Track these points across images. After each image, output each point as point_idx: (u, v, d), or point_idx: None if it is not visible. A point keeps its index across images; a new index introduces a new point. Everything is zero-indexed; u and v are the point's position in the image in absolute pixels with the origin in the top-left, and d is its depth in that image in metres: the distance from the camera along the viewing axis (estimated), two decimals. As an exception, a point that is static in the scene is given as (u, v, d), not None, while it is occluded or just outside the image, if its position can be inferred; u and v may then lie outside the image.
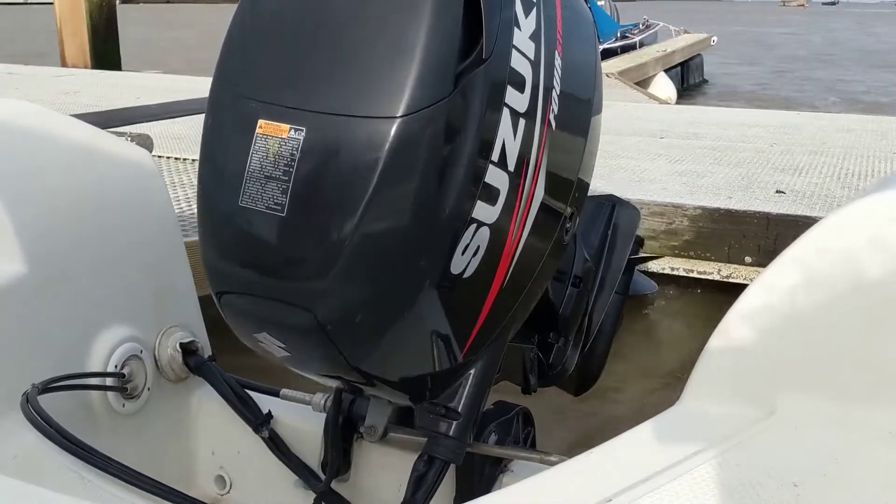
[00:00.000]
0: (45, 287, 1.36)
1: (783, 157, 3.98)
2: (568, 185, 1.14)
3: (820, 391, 0.90)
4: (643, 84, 9.15)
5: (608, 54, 10.76)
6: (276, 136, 0.96)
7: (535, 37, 1.02)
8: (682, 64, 11.61)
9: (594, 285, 1.38)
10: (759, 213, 3.01)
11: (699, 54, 12.65)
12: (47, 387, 1.24)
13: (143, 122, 4.75)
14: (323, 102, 0.95)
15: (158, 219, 1.60)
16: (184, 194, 3.19)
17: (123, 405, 1.46)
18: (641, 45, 11.50)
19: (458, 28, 0.93)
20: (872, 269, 0.88)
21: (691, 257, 3.05)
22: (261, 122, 0.97)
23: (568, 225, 1.16)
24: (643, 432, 0.92)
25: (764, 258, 2.97)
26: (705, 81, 13.09)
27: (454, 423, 1.16)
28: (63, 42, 8.87)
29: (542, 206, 1.08)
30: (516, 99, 1.00)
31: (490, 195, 1.00)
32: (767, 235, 2.97)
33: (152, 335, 1.53)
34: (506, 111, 0.99)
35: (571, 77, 1.09)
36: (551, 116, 1.05)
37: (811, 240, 0.95)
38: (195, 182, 3.42)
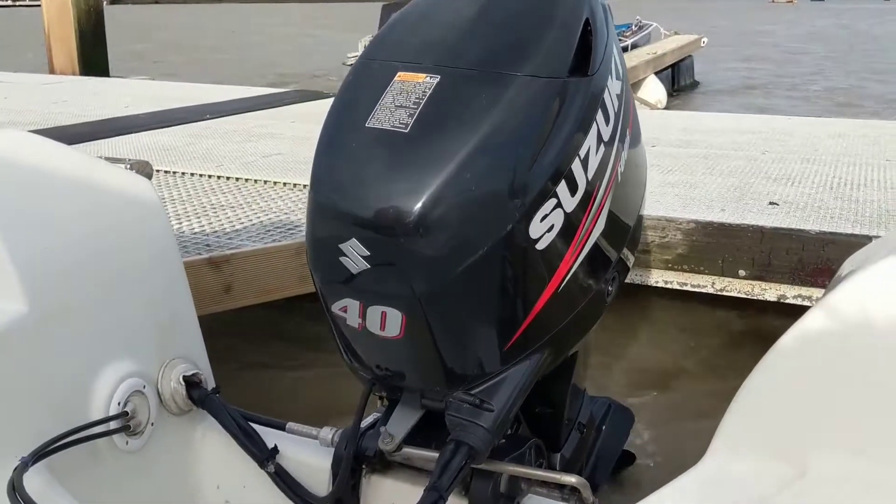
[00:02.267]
0: (45, 325, 1.35)
1: (775, 166, 3.99)
2: (621, 234, 1.26)
3: (852, 451, 0.89)
4: (634, 87, 9.16)
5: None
6: (412, 81, 1.13)
7: (619, 98, 1.21)
8: (672, 66, 11.62)
9: (587, 459, 1.54)
10: (752, 226, 3.02)
11: (690, 55, 12.67)
12: (43, 452, 1.22)
13: (131, 132, 4.72)
14: (456, 60, 1.14)
15: (160, 249, 1.59)
16: (174, 210, 3.18)
17: (127, 443, 1.45)
18: (634, 46, 11.51)
19: (576, 35, 1.15)
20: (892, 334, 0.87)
21: (685, 271, 3.06)
22: (399, 73, 1.15)
23: (611, 287, 1.26)
24: (675, 493, 0.91)
25: (758, 272, 2.98)
26: (696, 83, 13.11)
27: (486, 413, 1.17)
28: (51, 48, 8.81)
29: (600, 238, 1.19)
30: (602, 125, 1.16)
31: (572, 184, 1.12)
32: (761, 249, 2.98)
33: (155, 369, 1.53)
34: (594, 128, 1.15)
35: (633, 160, 1.27)
36: (620, 165, 1.21)
37: (843, 293, 0.95)
38: (186, 196, 3.43)
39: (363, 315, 1.15)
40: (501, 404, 1.18)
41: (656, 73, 10.30)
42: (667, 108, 9.86)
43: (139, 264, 1.54)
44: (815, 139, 4.67)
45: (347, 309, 1.16)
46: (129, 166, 1.70)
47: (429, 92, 1.12)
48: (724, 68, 14.58)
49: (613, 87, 1.19)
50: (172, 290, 1.60)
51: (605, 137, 1.16)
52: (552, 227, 1.11)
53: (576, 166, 1.12)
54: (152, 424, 1.50)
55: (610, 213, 1.20)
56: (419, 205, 1.07)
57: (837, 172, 3.86)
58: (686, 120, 5.66)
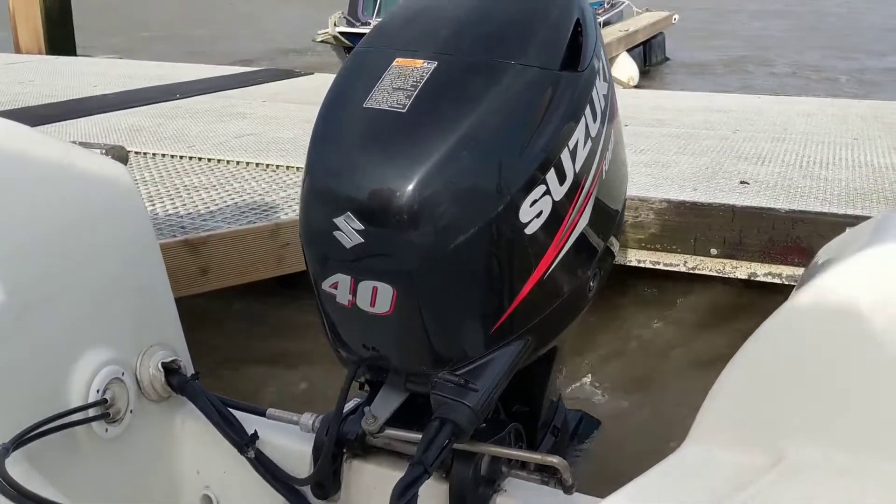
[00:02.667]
0: (22, 314, 1.34)
1: (746, 145, 4.04)
2: (605, 228, 1.30)
3: (828, 439, 0.90)
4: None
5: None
6: (409, 66, 1.16)
7: (606, 98, 1.25)
8: (644, 43, 11.65)
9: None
10: (723, 205, 3.06)
11: (661, 32, 12.70)
12: (23, 439, 1.21)
13: (100, 112, 4.65)
14: (454, 49, 1.19)
15: (136, 235, 1.58)
16: (146, 192, 3.15)
17: (106, 430, 1.44)
18: (606, 24, 11.51)
19: (568, 32, 1.20)
20: (881, 315, 0.89)
21: (657, 250, 3.10)
22: (397, 59, 1.18)
23: (593, 283, 1.30)
24: (653, 480, 0.92)
25: (729, 250, 3.03)
26: (667, 59, 13.16)
27: (471, 393, 1.18)
28: (16, 28, 8.61)
29: (585, 229, 1.23)
30: (590, 120, 1.20)
31: (561, 173, 1.16)
32: (732, 228, 3.02)
33: (133, 355, 1.52)
34: (583, 122, 1.19)
35: (617, 159, 1.30)
36: (605, 162, 1.25)
37: (820, 283, 0.96)
38: (159, 178, 3.39)
39: (354, 291, 1.16)
40: (486, 386, 1.20)
41: (628, 51, 10.33)
42: (638, 85, 9.90)
43: (116, 251, 1.52)
44: (785, 118, 4.73)
45: (338, 285, 1.17)
46: (104, 151, 1.68)
47: (426, 76, 1.15)
48: (695, 45, 14.64)
49: (601, 87, 1.24)
50: (150, 277, 1.59)
51: (593, 133, 1.21)
52: (541, 213, 1.15)
53: (565, 156, 1.16)
54: (131, 412, 1.49)
55: (594, 206, 1.24)
56: (415, 180, 1.09)
57: (807, 151, 3.92)
58: (658, 99, 5.69)
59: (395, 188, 1.10)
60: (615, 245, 1.37)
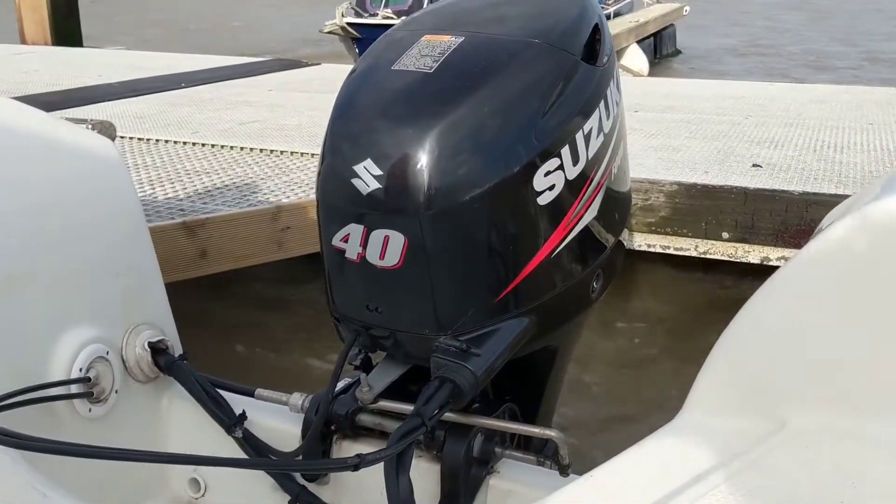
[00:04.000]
0: (5, 289, 1.29)
1: (758, 130, 3.96)
2: (609, 227, 1.33)
3: (830, 404, 0.86)
4: (616, 55, 9.11)
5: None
6: (437, 40, 1.23)
7: (618, 106, 1.32)
8: (654, 34, 11.54)
9: None
10: (735, 187, 2.98)
11: (672, 24, 12.58)
12: (1, 405, 1.17)
13: (104, 101, 4.62)
14: (481, 27, 1.27)
15: (123, 211, 1.53)
16: (146, 176, 3.11)
17: (90, 410, 1.40)
18: (616, 15, 11.41)
19: (589, 30, 1.27)
20: (884, 277, 0.83)
21: (668, 234, 3.02)
22: (426, 36, 1.25)
23: (596, 284, 1.33)
24: (651, 448, 0.87)
25: (741, 234, 2.95)
26: (678, 52, 13.04)
27: (473, 358, 1.18)
28: (22, 18, 8.60)
29: (592, 222, 1.27)
30: (604, 117, 1.25)
31: (575, 154, 1.21)
32: (745, 210, 2.94)
33: (119, 335, 1.47)
34: (597, 114, 1.24)
35: (621, 175, 1.36)
36: (614, 166, 1.30)
37: (819, 246, 0.91)
38: (160, 163, 3.35)
39: (365, 243, 1.17)
40: (488, 354, 1.19)
41: (638, 42, 10.23)
42: (649, 76, 9.80)
43: (102, 227, 1.48)
44: (798, 104, 4.64)
45: (349, 237, 1.18)
46: (91, 126, 1.64)
47: (454, 46, 1.22)
48: (707, 37, 14.51)
49: (613, 93, 1.31)
50: (138, 255, 1.54)
51: (605, 129, 1.26)
52: (553, 186, 1.19)
53: (579, 138, 1.21)
54: (117, 392, 1.44)
55: (601, 205, 1.28)
56: (438, 128, 1.14)
57: (820, 136, 3.83)
58: (669, 86, 5.61)
59: (417, 135, 1.14)
60: (617, 261, 1.40)
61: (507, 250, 1.20)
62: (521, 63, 1.21)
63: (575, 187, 1.22)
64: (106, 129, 1.60)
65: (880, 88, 5.53)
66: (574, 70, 1.23)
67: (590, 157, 1.23)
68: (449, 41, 1.23)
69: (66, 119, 1.60)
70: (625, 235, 1.42)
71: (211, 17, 20.19)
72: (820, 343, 0.88)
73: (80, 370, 1.38)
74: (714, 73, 10.64)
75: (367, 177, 1.15)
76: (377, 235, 1.16)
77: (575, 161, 1.21)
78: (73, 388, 1.36)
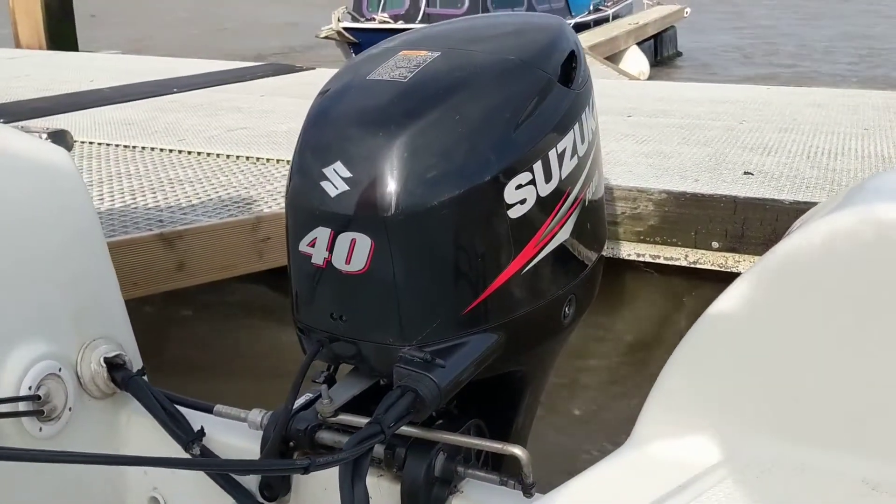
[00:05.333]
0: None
1: (752, 136, 3.91)
2: (583, 251, 1.33)
3: (784, 433, 0.80)
4: (615, 58, 9.03)
5: (580, 28, 10.58)
6: (414, 55, 1.25)
7: (593, 134, 1.33)
8: (655, 36, 11.48)
9: None
10: (725, 196, 2.94)
11: (672, 26, 12.52)
12: None
13: (93, 107, 4.59)
14: (457, 45, 1.30)
15: (78, 222, 1.49)
16: (128, 186, 3.06)
17: (40, 429, 1.35)
18: (615, 17, 11.35)
19: (564, 55, 1.29)
20: (844, 293, 0.78)
21: (657, 243, 2.98)
22: (403, 51, 1.26)
23: (568, 309, 1.31)
24: (599, 476, 0.82)
25: (731, 243, 2.90)
26: (679, 54, 12.97)
27: (437, 369, 1.15)
28: (16, 23, 8.57)
29: (564, 243, 1.26)
30: (578, 139, 1.26)
31: (548, 171, 1.21)
32: (735, 220, 2.89)
33: (73, 350, 1.43)
34: (572, 135, 1.25)
35: (594, 209, 1.36)
36: (588, 192, 1.30)
37: (775, 257, 0.85)
38: (143, 171, 3.31)
39: (331, 247, 1.16)
40: (453, 367, 1.17)
41: (638, 44, 10.18)
42: (649, 79, 9.74)
43: (55, 240, 1.43)
44: (794, 108, 4.59)
45: (316, 242, 1.18)
46: (45, 136, 1.59)
47: (429, 60, 1.24)
48: (708, 39, 14.46)
49: (589, 119, 1.32)
50: (93, 266, 1.49)
51: (580, 153, 1.27)
52: (525, 201, 1.18)
53: (552, 156, 1.21)
54: (70, 409, 1.40)
55: (574, 228, 1.28)
56: (409, 132, 1.15)
57: (815, 142, 3.78)
58: (664, 90, 5.56)
59: (388, 139, 1.15)
60: (591, 290, 1.39)
61: (476, 261, 1.19)
62: (495, 76, 1.22)
63: (547, 205, 1.22)
64: (61, 139, 1.55)
65: (878, 92, 5.48)
66: (548, 88, 1.24)
67: (563, 177, 1.23)
68: (425, 55, 1.24)
69: (21, 128, 1.55)
70: (599, 269, 1.40)
71: (243, 15, 20.21)
72: (776, 365, 0.83)
73: (30, 388, 1.33)
74: (715, 76, 10.58)
75: (337, 179, 1.15)
76: (344, 239, 1.16)
77: (548, 178, 1.21)
78: (22, 406, 1.32)
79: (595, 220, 1.35)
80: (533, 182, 1.19)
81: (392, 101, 1.19)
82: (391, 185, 1.14)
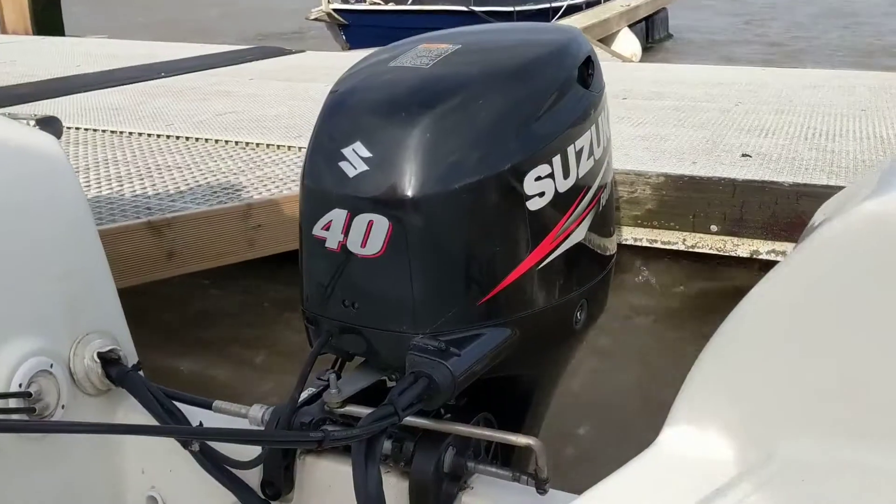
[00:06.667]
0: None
1: (749, 117, 3.87)
2: (596, 257, 1.33)
3: (826, 429, 0.76)
4: (607, 40, 8.97)
5: (572, 10, 10.52)
6: (435, 47, 1.26)
7: (608, 142, 1.34)
8: (646, 18, 11.42)
9: None
10: (724, 179, 2.90)
11: (664, 8, 12.44)
12: None
13: (79, 92, 4.50)
14: (479, 39, 1.36)
15: (69, 212, 1.44)
16: (115, 172, 3.00)
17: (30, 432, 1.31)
18: (607, -1, 11.27)
19: (581, 59, 1.30)
20: (885, 285, 0.74)
21: (654, 227, 2.94)
22: (423, 44, 1.28)
23: (580, 314, 1.30)
24: (628, 479, 0.78)
25: (730, 227, 2.87)
26: (670, 36, 12.91)
27: (452, 357, 1.14)
28: (2, 8, 8.42)
29: (579, 244, 1.26)
30: (594, 141, 1.27)
31: (566, 166, 1.21)
32: (734, 203, 2.86)
33: (66, 345, 1.38)
34: (589, 135, 1.26)
35: (607, 214, 1.37)
36: (602, 197, 1.31)
37: (812, 246, 0.81)
38: (130, 157, 3.25)
39: (347, 229, 1.15)
40: (468, 356, 1.15)
41: (630, 27, 10.12)
42: (640, 62, 9.68)
43: (45, 231, 1.39)
44: (790, 90, 4.55)
45: (331, 224, 1.16)
46: (34, 123, 1.54)
47: (451, 51, 1.25)
48: (699, 21, 14.40)
49: (604, 126, 1.33)
50: (85, 258, 1.45)
51: (596, 156, 1.28)
52: (543, 193, 1.19)
53: (571, 152, 1.22)
54: (63, 407, 1.36)
55: (588, 231, 1.28)
56: (432, 114, 1.15)
57: (812, 123, 3.75)
58: (658, 72, 5.51)
59: (411, 120, 1.14)
60: (602, 298, 1.39)
61: (494, 251, 1.18)
62: (518, 68, 1.23)
63: (565, 202, 1.22)
64: (50, 125, 1.50)
65: (872, 73, 5.45)
66: (568, 85, 1.26)
67: (580, 176, 1.24)
68: (446, 47, 1.26)
69: (9, 114, 1.50)
70: (609, 278, 1.41)
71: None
72: (818, 360, 0.79)
73: (20, 385, 1.29)
74: (707, 58, 10.53)
75: (356, 159, 1.14)
76: (360, 221, 1.14)
77: (566, 174, 1.22)
78: (13, 404, 1.28)
79: (606, 228, 1.36)
80: (552, 176, 1.20)
81: (415, 84, 1.20)
82: (412, 167, 1.13)
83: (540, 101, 1.22)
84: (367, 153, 1.14)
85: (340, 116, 1.21)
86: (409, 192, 1.13)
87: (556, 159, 1.21)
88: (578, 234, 1.26)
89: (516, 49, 1.30)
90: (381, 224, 1.13)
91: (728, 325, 0.84)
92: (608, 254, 1.39)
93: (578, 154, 1.24)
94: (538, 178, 1.19)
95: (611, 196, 1.38)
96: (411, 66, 1.23)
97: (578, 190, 1.25)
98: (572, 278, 1.28)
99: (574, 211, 1.25)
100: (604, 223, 1.34)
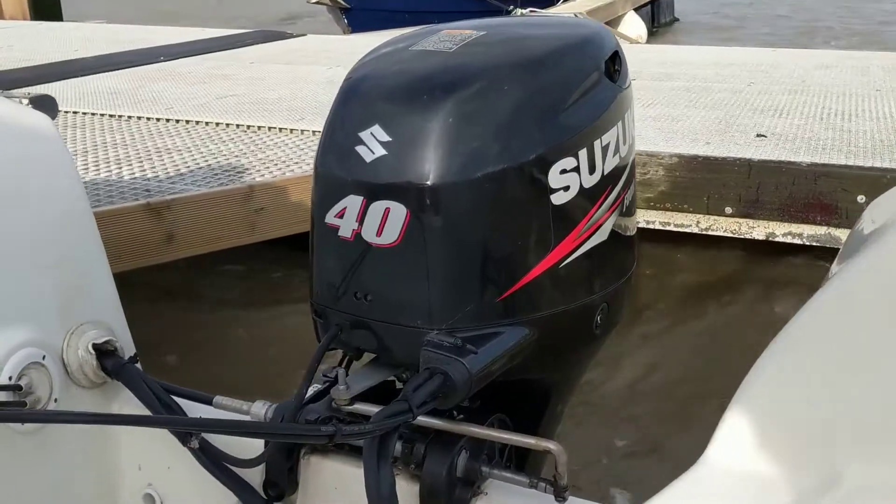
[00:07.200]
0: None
1: (762, 98, 3.79)
2: (617, 261, 1.28)
3: (894, 454, 0.68)
4: (612, 24, 8.85)
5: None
6: (458, 33, 1.20)
7: (633, 141, 1.28)
8: (651, 2, 11.27)
9: None
10: (739, 159, 2.83)
11: (670, -9, 12.29)
12: None
13: (78, 76, 4.42)
14: (501, 26, 1.29)
15: (63, 196, 1.37)
16: (114, 155, 2.93)
17: (22, 423, 1.24)
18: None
19: (608, 53, 1.24)
20: None
21: (668, 209, 2.87)
22: (445, 31, 1.22)
23: (600, 318, 1.24)
24: (676, 501, 0.70)
25: (745, 208, 2.80)
26: (676, 20, 12.76)
27: (469, 354, 1.08)
28: (-1, -8, 8.35)
29: (601, 245, 1.20)
30: (621, 137, 1.22)
31: (592, 162, 1.16)
32: (749, 184, 2.78)
33: (58, 336, 1.31)
34: (616, 130, 1.21)
35: (631, 213, 1.31)
36: (625, 198, 1.25)
37: (872, 255, 0.73)
38: (130, 140, 3.18)
39: (362, 217, 1.10)
40: (485, 354, 1.09)
41: (635, 10, 9.99)
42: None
43: (38, 215, 1.32)
44: (802, 70, 4.46)
45: (345, 212, 1.11)
46: (27, 102, 1.46)
47: (476, 35, 1.20)
48: (705, 5, 14.25)
49: (630, 125, 1.28)
50: (79, 244, 1.38)
51: (622, 153, 1.23)
52: (568, 188, 1.14)
53: (597, 147, 1.18)
54: (55, 401, 1.28)
55: (611, 232, 1.23)
56: (455, 95, 1.09)
57: (827, 103, 3.66)
58: (666, 53, 5.42)
59: (432, 103, 1.09)
60: (622, 304, 1.33)
61: (516, 244, 1.13)
62: (546, 54, 1.19)
63: (589, 198, 1.18)
64: (45, 105, 1.42)
65: (885, 53, 5.35)
66: (597, 78, 1.21)
67: (605, 173, 1.19)
68: (470, 33, 1.21)
69: (2, 93, 1.42)
70: (629, 286, 1.35)
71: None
72: (882, 375, 0.70)
73: (10, 378, 1.22)
74: (715, 43, 10.41)
75: (374, 143, 1.09)
76: (377, 208, 1.09)
77: (591, 169, 1.17)
78: (2, 397, 1.21)
79: (629, 231, 1.31)
80: (577, 170, 1.15)
81: (438, 67, 1.15)
82: (433, 152, 1.07)
83: (568, 90, 1.17)
84: (385, 137, 1.09)
85: (358, 99, 1.15)
86: (430, 179, 1.07)
87: (583, 153, 1.15)
88: (602, 234, 1.21)
89: (543, 38, 1.24)
90: (399, 212, 1.08)
91: (785, 336, 0.75)
92: (630, 258, 1.34)
93: (605, 149, 1.19)
94: (563, 171, 1.13)
95: (633, 199, 1.33)
96: (434, 49, 1.17)
97: (603, 187, 1.19)
98: (594, 280, 1.23)
99: (599, 208, 1.20)
100: (627, 226, 1.29)
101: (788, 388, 0.76)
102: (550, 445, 1.11)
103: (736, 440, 0.74)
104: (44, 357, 1.27)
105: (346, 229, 1.11)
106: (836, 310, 0.74)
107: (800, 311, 0.78)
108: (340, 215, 1.12)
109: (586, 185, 1.17)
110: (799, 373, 0.75)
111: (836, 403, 0.73)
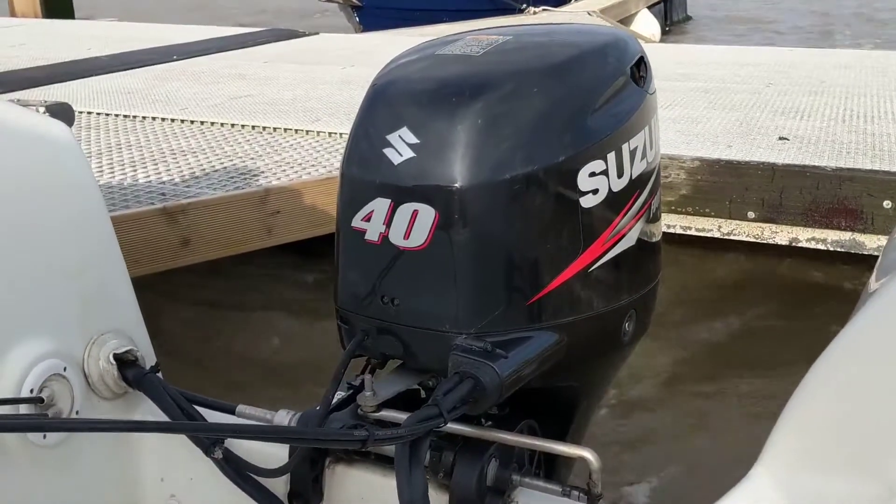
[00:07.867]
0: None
1: (782, 99, 3.74)
2: (644, 268, 1.26)
3: None
4: (626, 22, 8.80)
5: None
6: (484, 39, 1.21)
7: (658, 145, 1.27)
8: (664, 0, 11.21)
9: None
10: (762, 163, 2.78)
11: (682, -11, 12.22)
12: None
13: (90, 76, 4.41)
14: (526, 32, 1.28)
15: (81, 204, 1.34)
16: (129, 157, 2.91)
17: (44, 436, 1.22)
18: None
19: (634, 58, 1.23)
20: None
21: (689, 213, 2.84)
22: (470, 36, 1.22)
23: (628, 325, 1.22)
24: None
25: (768, 213, 2.76)
26: (689, 18, 12.69)
27: (499, 359, 1.06)
28: (11, -10, 8.35)
29: (629, 250, 1.19)
30: (648, 142, 1.21)
31: (621, 165, 1.15)
32: (772, 188, 2.74)
33: (79, 346, 1.29)
34: (643, 135, 1.20)
35: (657, 220, 1.30)
36: (652, 204, 1.24)
37: None
38: (144, 142, 3.15)
39: (390, 220, 1.09)
40: (516, 358, 1.08)
41: (648, 8, 9.93)
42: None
43: (56, 224, 1.29)
44: (821, 71, 4.41)
45: (372, 215, 1.11)
46: (44, 110, 1.43)
47: (502, 40, 1.20)
48: (718, 3, 14.17)
49: (656, 130, 1.27)
50: (99, 253, 1.35)
51: (649, 158, 1.22)
52: (597, 191, 1.14)
53: (625, 150, 1.17)
54: (77, 412, 1.26)
55: (638, 238, 1.22)
56: (484, 97, 1.09)
57: (848, 105, 3.62)
58: (682, 53, 5.37)
59: (461, 105, 1.09)
60: (650, 312, 1.32)
61: (545, 248, 1.12)
62: (574, 57, 1.19)
63: (618, 202, 1.17)
64: (62, 113, 1.40)
65: (904, 53, 5.29)
66: (624, 82, 1.21)
67: (633, 177, 1.19)
68: (496, 38, 1.21)
69: (18, 101, 1.40)
70: (655, 293, 1.33)
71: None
72: None
73: (32, 391, 1.20)
74: (728, 42, 10.34)
75: (402, 146, 1.09)
76: (404, 210, 1.08)
77: (620, 173, 1.17)
78: (24, 410, 1.18)
79: (655, 237, 1.30)
80: (606, 173, 1.14)
81: (466, 70, 1.15)
82: (461, 154, 1.07)
83: (596, 93, 1.16)
84: (413, 139, 1.08)
85: (385, 103, 1.15)
86: (458, 181, 1.07)
87: (611, 156, 1.15)
88: (630, 239, 1.20)
89: (570, 43, 1.24)
90: (427, 214, 1.07)
91: (837, 348, 0.73)
92: (656, 265, 1.33)
93: (633, 154, 1.19)
94: (592, 175, 1.13)
95: (659, 205, 1.32)
96: (461, 53, 1.18)
97: (631, 191, 1.19)
98: (623, 286, 1.22)
99: (627, 213, 1.19)
100: (653, 232, 1.29)
101: (842, 401, 0.73)
102: (584, 453, 1.10)
103: (789, 454, 0.71)
104: (65, 368, 1.25)
105: (374, 233, 1.11)
106: (890, 323, 0.71)
107: (850, 322, 0.76)
108: (367, 218, 1.11)
109: (615, 189, 1.16)
110: (853, 385, 0.73)
111: (892, 415, 0.71)
